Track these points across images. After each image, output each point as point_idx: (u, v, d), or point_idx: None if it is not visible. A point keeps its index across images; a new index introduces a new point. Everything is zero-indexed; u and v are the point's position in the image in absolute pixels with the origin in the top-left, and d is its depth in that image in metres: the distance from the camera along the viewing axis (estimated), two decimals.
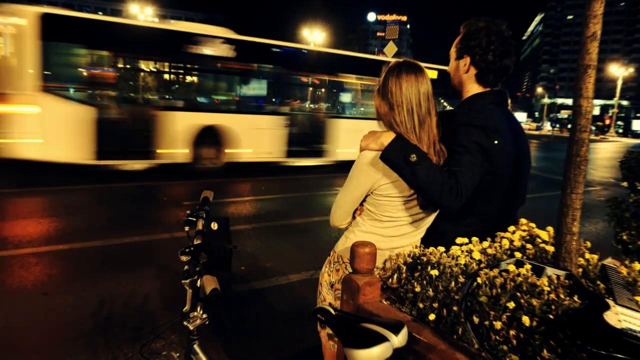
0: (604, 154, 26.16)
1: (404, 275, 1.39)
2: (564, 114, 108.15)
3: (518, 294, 1.14)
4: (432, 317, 1.22)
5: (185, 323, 1.42)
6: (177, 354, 1.53)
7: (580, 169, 1.31)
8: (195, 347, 1.45)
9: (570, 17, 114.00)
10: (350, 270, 1.41)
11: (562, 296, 1.17)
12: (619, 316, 1.10)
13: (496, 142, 1.55)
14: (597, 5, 1.26)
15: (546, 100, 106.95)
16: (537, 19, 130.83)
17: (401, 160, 1.43)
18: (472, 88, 1.71)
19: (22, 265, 3.93)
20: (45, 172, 7.84)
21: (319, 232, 5.55)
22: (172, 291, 3.57)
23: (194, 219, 1.39)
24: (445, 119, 1.76)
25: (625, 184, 3.98)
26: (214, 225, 1.32)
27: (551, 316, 1.10)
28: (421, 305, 1.28)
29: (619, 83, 63.16)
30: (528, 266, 1.30)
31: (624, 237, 3.93)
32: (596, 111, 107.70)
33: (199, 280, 1.38)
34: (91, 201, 6.59)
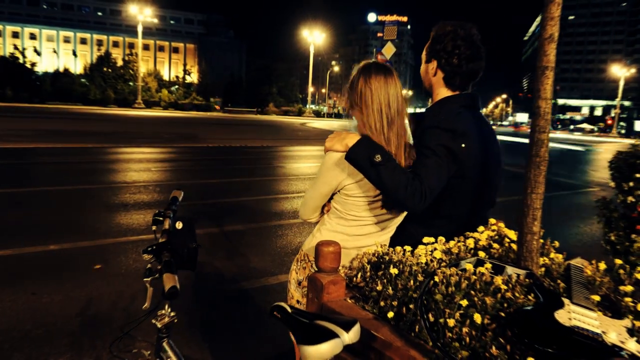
0: (605, 154, 26.13)
1: (368, 274, 1.41)
2: (566, 115, 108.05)
3: (472, 292, 1.16)
4: (390, 314, 1.24)
5: (153, 321, 1.44)
6: (148, 352, 1.54)
7: (540, 169, 1.33)
8: (164, 344, 1.46)
9: (571, 17, 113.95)
10: (316, 269, 1.43)
11: (517, 294, 1.19)
12: (571, 314, 1.12)
13: (463, 145, 1.56)
14: (554, 8, 1.27)
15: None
16: (538, 19, 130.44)
17: (366, 161, 1.44)
18: (442, 91, 1.73)
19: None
20: None
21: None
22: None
23: (161, 218, 1.41)
24: (416, 121, 1.78)
25: (613, 184, 4.00)
26: (179, 225, 1.34)
27: (503, 314, 1.11)
28: (382, 304, 1.29)
29: (621, 84, 63.15)
30: (488, 265, 1.32)
31: (612, 238, 3.95)
32: (598, 112, 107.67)
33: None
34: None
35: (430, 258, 1.36)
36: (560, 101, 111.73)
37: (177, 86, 65.09)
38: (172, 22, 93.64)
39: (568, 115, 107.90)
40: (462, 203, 1.66)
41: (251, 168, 11.13)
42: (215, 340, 2.94)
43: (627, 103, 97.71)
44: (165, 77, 70.64)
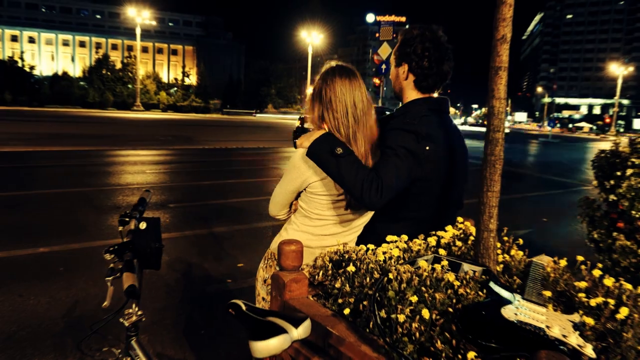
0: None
1: (329, 272, 1.44)
2: (565, 114, 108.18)
3: (423, 288, 1.18)
4: (346, 311, 1.26)
5: (121, 320, 1.46)
6: (119, 351, 1.57)
7: (495, 168, 1.35)
8: (133, 343, 1.49)
9: (569, 16, 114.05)
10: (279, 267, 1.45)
11: (468, 290, 1.21)
12: (518, 309, 1.14)
13: (427, 148, 1.59)
14: (506, 9, 1.30)
15: (546, 100, 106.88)
16: (537, 18, 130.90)
17: (327, 153, 1.48)
18: (411, 94, 1.76)
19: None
20: None
21: None
22: (148, 291, 3.62)
23: (127, 219, 1.44)
24: (383, 123, 1.81)
25: (595, 183, 4.00)
26: (142, 225, 1.37)
27: (451, 309, 1.14)
28: (340, 301, 1.32)
29: (619, 82, 63.14)
30: (445, 262, 1.35)
31: (595, 236, 3.96)
32: (597, 110, 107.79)
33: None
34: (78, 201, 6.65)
35: (389, 255, 1.38)
36: (559, 100, 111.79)
37: (175, 88, 65.12)
38: (170, 24, 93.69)
39: (566, 114, 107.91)
40: (427, 205, 1.68)
41: (245, 169, 11.16)
42: (199, 340, 2.97)
43: (625, 101, 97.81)
44: (164, 80, 70.65)
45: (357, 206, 1.58)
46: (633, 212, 3.43)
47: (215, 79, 71.69)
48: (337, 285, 1.34)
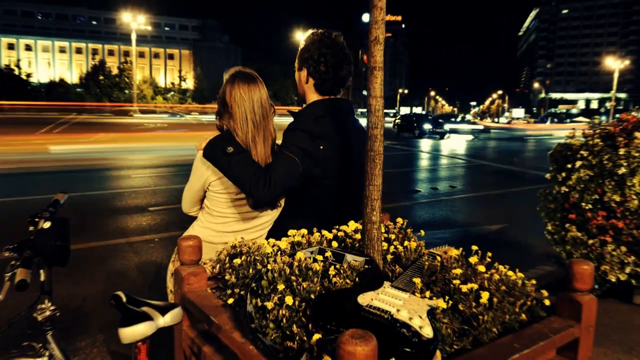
0: None
1: (226, 265, 1.52)
2: (562, 109, 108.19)
3: (293, 277, 1.26)
4: (230, 301, 1.34)
5: (34, 315, 1.55)
6: (40, 345, 1.65)
7: (375, 163, 1.43)
8: (49, 337, 1.57)
9: (565, 11, 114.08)
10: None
11: (338, 279, 1.29)
12: (378, 296, 1.22)
13: (322, 147, 1.67)
14: (377, 12, 1.38)
15: (543, 95, 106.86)
16: (533, 14, 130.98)
17: (219, 152, 1.57)
18: (312, 97, 1.84)
19: None
20: None
21: None
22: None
23: (37, 219, 1.52)
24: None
25: (548, 176, 4.08)
26: (46, 224, 1.45)
27: (313, 296, 1.22)
28: (229, 292, 1.40)
29: (616, 76, 63.08)
30: (328, 253, 1.43)
31: (550, 228, 4.04)
32: (594, 105, 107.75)
33: (42, 274, 1.52)
34: None
35: (277, 249, 1.46)
36: (556, 95, 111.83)
37: (172, 92, 65.30)
38: (166, 28, 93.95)
39: (564, 109, 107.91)
40: (327, 202, 1.76)
41: None
42: (155, 340, 3.04)
43: (622, 95, 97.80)
44: (161, 84, 70.89)
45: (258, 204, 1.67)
46: (583, 204, 3.50)
47: (212, 82, 71.81)
48: (227, 277, 1.42)
